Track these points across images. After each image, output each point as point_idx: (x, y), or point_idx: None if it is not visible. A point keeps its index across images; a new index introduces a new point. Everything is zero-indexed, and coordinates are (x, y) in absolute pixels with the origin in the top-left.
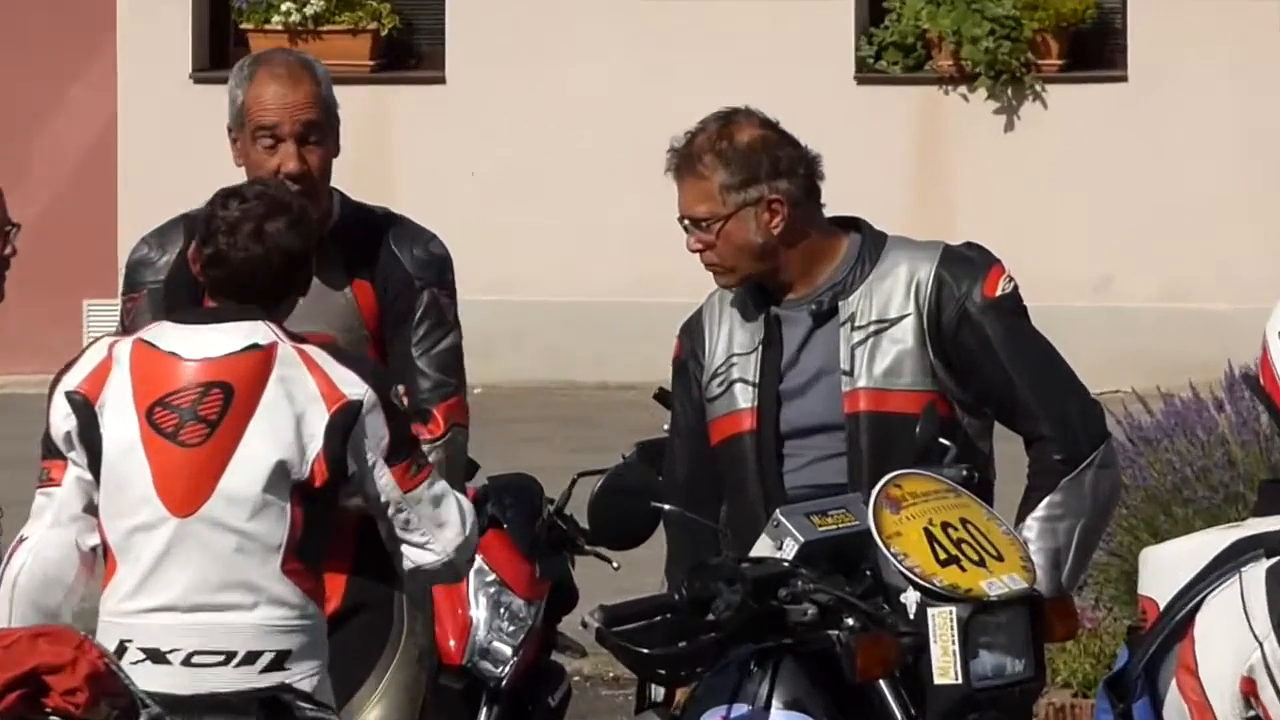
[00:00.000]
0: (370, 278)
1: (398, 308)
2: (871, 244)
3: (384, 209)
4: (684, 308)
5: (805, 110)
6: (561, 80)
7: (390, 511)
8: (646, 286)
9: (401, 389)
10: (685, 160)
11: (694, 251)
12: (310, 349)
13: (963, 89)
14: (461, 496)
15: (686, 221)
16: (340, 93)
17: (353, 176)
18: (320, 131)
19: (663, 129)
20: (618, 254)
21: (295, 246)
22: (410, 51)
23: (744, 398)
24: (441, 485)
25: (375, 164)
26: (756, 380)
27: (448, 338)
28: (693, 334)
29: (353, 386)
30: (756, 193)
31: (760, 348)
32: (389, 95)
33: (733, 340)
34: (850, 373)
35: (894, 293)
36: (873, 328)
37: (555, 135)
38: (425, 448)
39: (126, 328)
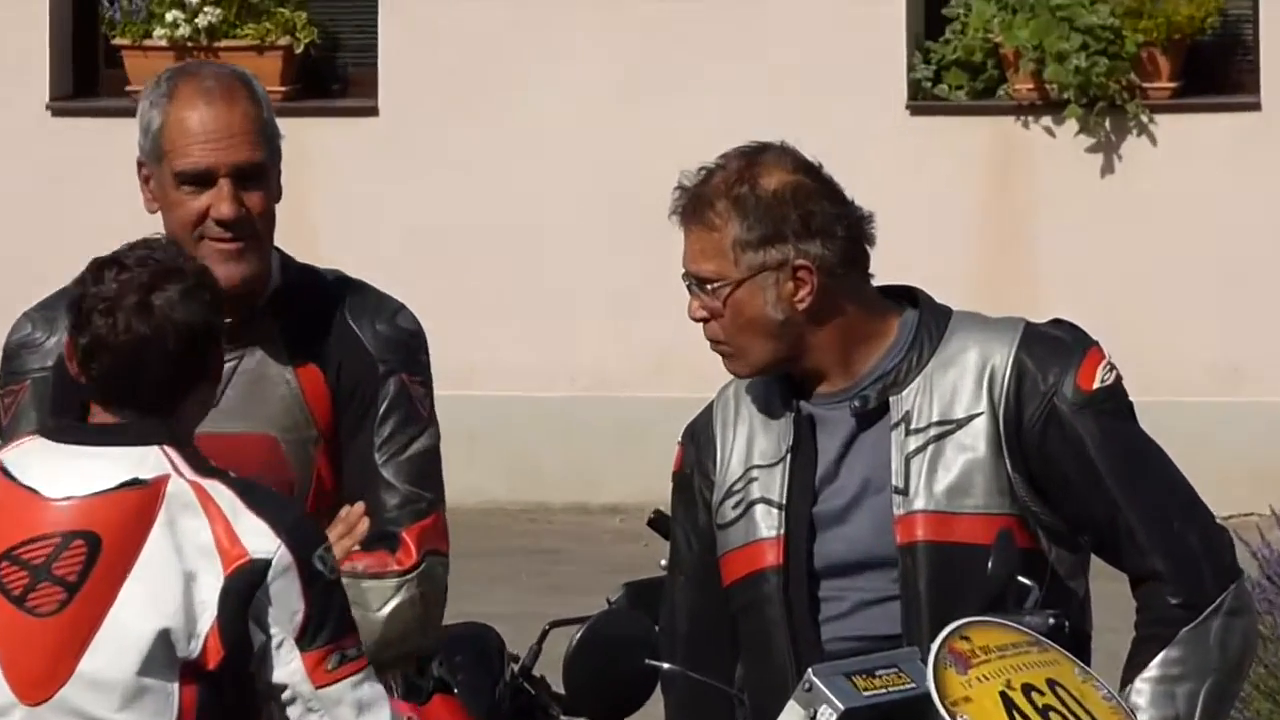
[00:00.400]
0: (320, 360)
1: (356, 399)
2: (931, 322)
3: (336, 272)
4: (688, 405)
5: (843, 147)
6: (530, 112)
7: (296, 711)
8: (640, 378)
9: (361, 508)
10: (695, 203)
11: (696, 320)
12: (214, 486)
13: (1046, 120)
14: (399, 712)
15: (690, 280)
16: None
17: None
18: (262, 170)
19: (662, 175)
20: (602, 336)
21: (195, 321)
22: (333, 74)
23: (767, 524)
24: (372, 690)
25: (287, 217)
26: (783, 501)
27: (421, 438)
28: (699, 439)
29: (259, 539)
30: (779, 255)
31: (788, 457)
32: (305, 130)
33: (752, 447)
34: (904, 490)
35: (961, 386)
36: (933, 431)
37: (522, 182)
38: (393, 583)
39: (5, 430)
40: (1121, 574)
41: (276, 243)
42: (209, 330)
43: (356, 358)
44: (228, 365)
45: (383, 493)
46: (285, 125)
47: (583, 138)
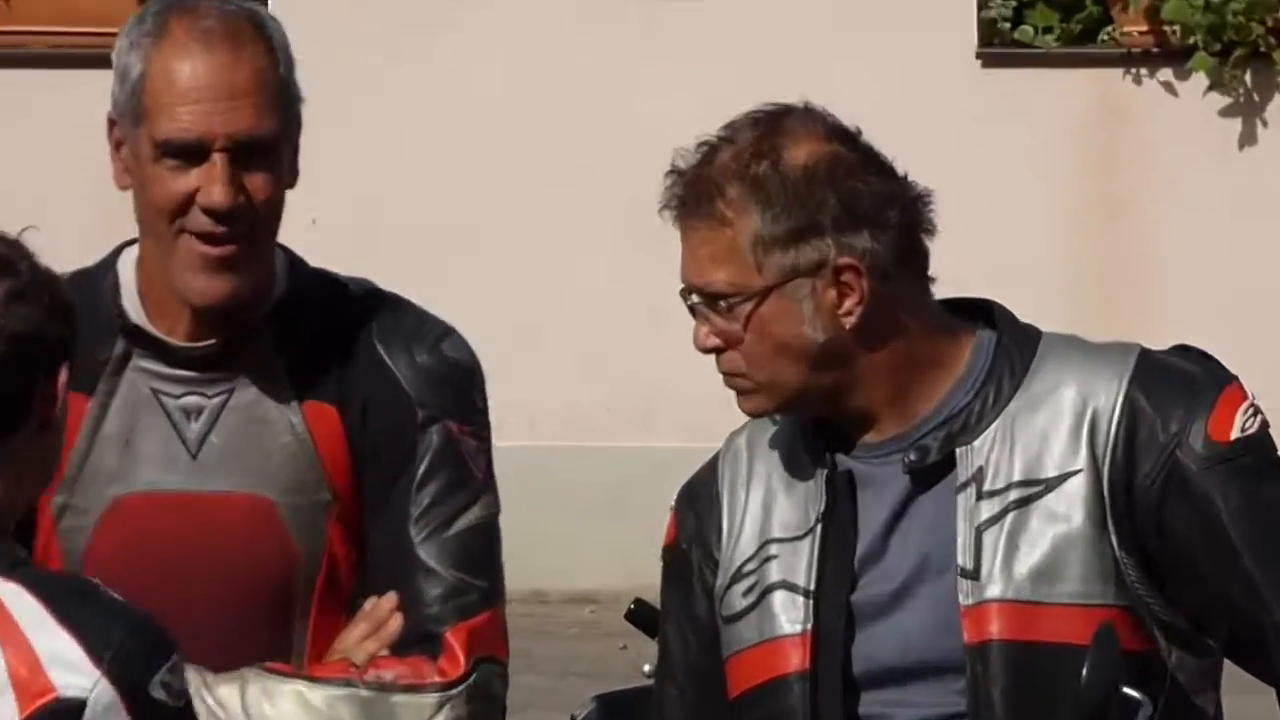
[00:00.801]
0: (338, 399)
1: (387, 454)
2: (1013, 348)
3: (364, 283)
4: (683, 459)
5: (892, 108)
6: (470, 68)
7: None
8: (621, 424)
9: (391, 601)
10: (697, 191)
11: (705, 351)
12: (14, 593)
13: (1165, 73)
14: None
15: (694, 297)
16: (89, 81)
17: (108, 223)
18: (272, 145)
19: (649, 153)
20: (572, 368)
21: (24, 331)
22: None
23: (790, 616)
24: None
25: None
26: (811, 586)
27: (473, 508)
28: (699, 504)
29: (69, 670)
30: (815, 253)
31: (818, 528)
32: None
33: (771, 515)
34: (975, 573)
35: (1052, 434)
36: (1015, 495)
37: (460, 162)
38: (434, 699)
39: None
40: (1266, 686)
41: (131, 234)
42: (40, 347)
43: (388, 397)
44: (212, 402)
45: (421, 580)
46: None
47: (545, 107)
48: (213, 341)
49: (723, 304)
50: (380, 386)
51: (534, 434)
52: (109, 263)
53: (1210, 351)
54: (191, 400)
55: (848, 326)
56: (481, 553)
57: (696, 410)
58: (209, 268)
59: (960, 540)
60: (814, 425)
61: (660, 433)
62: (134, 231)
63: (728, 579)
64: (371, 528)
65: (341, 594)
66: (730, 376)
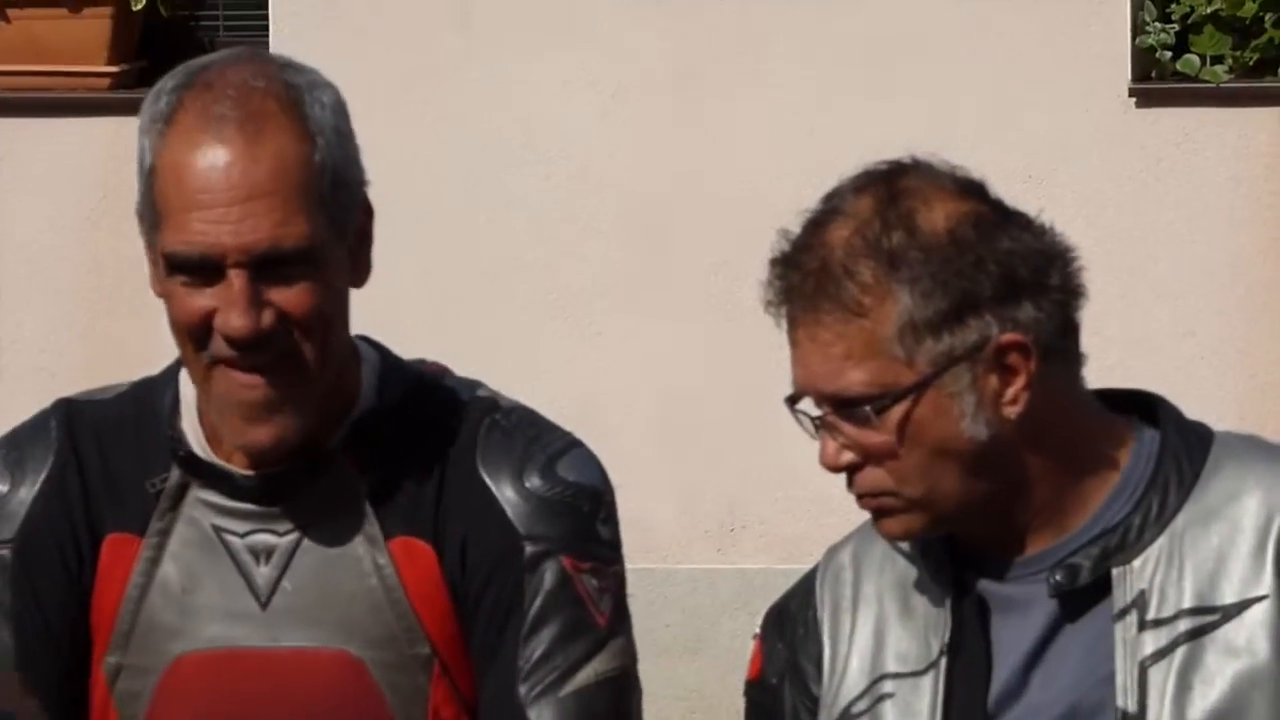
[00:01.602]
0: (432, 533)
1: (491, 598)
2: (1181, 450)
3: (475, 386)
4: (770, 581)
5: (1027, 156)
6: (515, 108)
7: None
8: (697, 540)
9: None
10: (818, 277)
11: (837, 470)
12: None
13: None
14: None
15: (822, 409)
16: (55, 129)
17: (73, 285)
18: (308, 254)
19: (741, 212)
20: (637, 471)
21: None
22: (191, 45)
23: None
24: None
25: (112, 261)
26: None
27: (593, 660)
28: (793, 632)
29: None
30: (975, 333)
31: (943, 661)
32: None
33: (884, 646)
34: (1139, 717)
35: (1229, 554)
36: (1185, 625)
37: (496, 220)
38: None
39: None
40: None
41: (91, 300)
42: None
43: (491, 530)
44: (282, 542)
45: None
46: (109, 128)
47: (608, 157)
48: (279, 469)
49: (865, 410)
50: (482, 517)
51: None
52: (172, 373)
53: None
54: (260, 539)
55: (1012, 417)
56: (606, 713)
57: (789, 524)
58: (248, 413)
59: (1120, 678)
60: (942, 541)
61: (743, 551)
62: (82, 302)
63: (833, 718)
64: (479, 686)
65: None
66: (870, 497)
